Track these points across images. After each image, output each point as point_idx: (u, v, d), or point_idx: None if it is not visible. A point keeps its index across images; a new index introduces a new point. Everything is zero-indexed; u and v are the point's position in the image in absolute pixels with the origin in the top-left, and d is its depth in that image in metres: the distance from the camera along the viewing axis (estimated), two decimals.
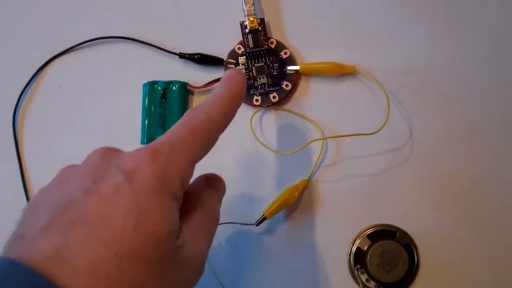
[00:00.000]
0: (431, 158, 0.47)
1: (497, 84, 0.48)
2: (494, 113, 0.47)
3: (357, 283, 0.45)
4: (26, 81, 0.50)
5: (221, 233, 0.47)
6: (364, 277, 0.45)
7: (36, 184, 0.49)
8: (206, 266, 0.44)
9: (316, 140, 0.47)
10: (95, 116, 0.50)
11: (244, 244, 0.47)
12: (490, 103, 0.48)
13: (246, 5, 0.48)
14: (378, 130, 0.46)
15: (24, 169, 0.49)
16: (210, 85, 0.49)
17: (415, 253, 0.45)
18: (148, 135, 0.47)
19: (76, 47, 0.50)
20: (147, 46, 0.50)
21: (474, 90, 0.48)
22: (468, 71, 0.48)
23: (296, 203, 0.47)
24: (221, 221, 0.45)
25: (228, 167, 0.48)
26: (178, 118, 0.46)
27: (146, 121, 0.47)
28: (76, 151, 0.48)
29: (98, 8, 0.51)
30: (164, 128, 0.47)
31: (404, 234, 0.46)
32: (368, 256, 0.44)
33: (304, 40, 0.50)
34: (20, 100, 0.50)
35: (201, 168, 0.47)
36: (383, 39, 0.50)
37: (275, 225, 0.47)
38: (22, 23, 0.51)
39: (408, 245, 0.45)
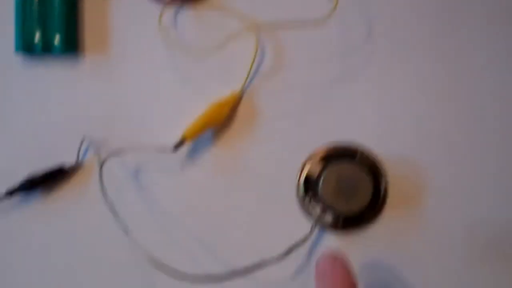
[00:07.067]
0: (396, 58, 0.41)
1: None
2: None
3: (310, 216, 0.38)
4: None
5: (129, 164, 0.40)
6: (318, 208, 0.38)
7: None
8: (104, 208, 0.35)
9: (242, 32, 0.39)
10: None
11: (158, 176, 0.40)
12: None
13: None
14: (325, 19, 0.39)
15: None
16: None
17: (382, 178, 0.39)
18: (25, 40, 0.40)
19: None
20: None
21: None
22: None
23: (227, 122, 0.40)
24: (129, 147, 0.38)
25: (135, 80, 0.40)
26: (62, 15, 0.40)
27: (22, 22, 0.40)
28: None
29: None
30: (44, 29, 0.40)
31: (367, 154, 0.39)
32: (321, 183, 0.37)
33: None
34: None
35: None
36: None
37: (200, 151, 0.40)
38: None
39: (372, 168, 0.39)
